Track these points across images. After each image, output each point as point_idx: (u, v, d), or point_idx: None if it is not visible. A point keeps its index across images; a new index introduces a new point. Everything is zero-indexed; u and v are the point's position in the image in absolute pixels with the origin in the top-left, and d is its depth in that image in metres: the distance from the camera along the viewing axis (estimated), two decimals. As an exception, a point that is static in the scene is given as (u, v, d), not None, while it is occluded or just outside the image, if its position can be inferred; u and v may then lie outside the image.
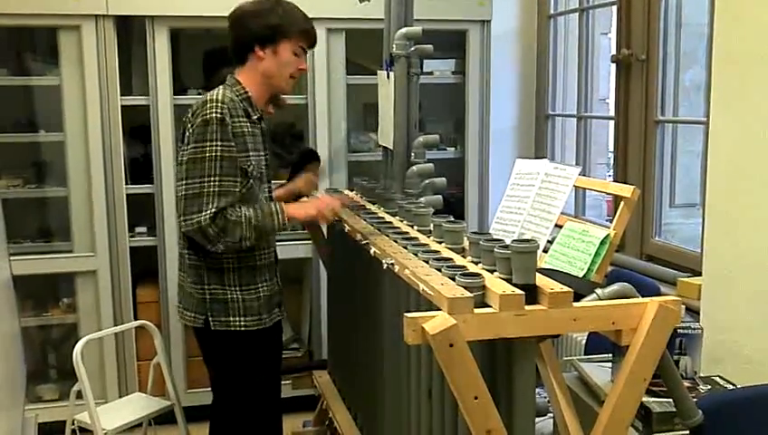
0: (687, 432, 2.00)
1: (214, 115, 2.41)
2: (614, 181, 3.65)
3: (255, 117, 2.57)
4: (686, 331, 2.38)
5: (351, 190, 3.36)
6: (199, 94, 3.88)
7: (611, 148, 3.96)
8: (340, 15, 3.79)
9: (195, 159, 2.41)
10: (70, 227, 3.80)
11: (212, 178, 2.39)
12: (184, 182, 2.43)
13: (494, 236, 2.11)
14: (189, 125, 2.47)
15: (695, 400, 2.01)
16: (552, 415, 2.38)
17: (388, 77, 2.99)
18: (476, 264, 2.00)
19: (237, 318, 2.58)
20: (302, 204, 2.72)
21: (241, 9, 2.59)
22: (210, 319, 2.58)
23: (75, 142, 3.73)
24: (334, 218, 2.70)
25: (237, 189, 2.44)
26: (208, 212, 2.37)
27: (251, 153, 2.51)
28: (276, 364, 2.79)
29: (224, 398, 2.71)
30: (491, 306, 1.73)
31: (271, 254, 2.70)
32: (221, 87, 2.54)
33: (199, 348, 2.73)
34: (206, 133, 2.40)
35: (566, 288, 1.73)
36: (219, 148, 2.40)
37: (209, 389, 2.77)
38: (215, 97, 2.45)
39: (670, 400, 2.00)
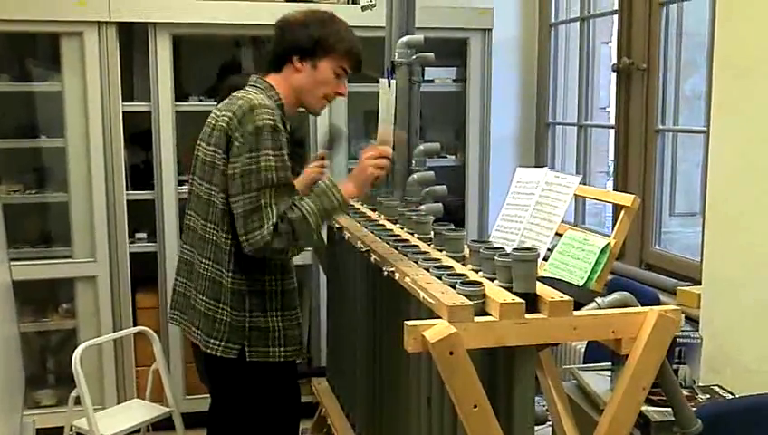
0: (687, 442, 2.00)
1: (266, 122, 2.23)
2: (614, 190, 3.66)
3: (287, 126, 2.40)
4: (685, 340, 2.39)
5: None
6: (200, 101, 3.90)
7: (612, 156, 3.97)
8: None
9: (250, 171, 2.23)
10: (70, 232, 3.80)
11: (269, 189, 2.23)
12: (241, 197, 2.24)
13: (495, 245, 2.11)
14: (238, 134, 2.26)
15: (694, 409, 2.01)
16: (551, 423, 2.38)
17: (389, 85, 3.00)
18: (477, 272, 2.01)
19: (277, 348, 2.40)
20: (350, 176, 2.43)
21: (292, 16, 2.44)
22: (247, 349, 2.37)
23: (76, 148, 3.73)
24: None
25: (294, 198, 2.30)
26: (270, 223, 2.21)
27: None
28: (298, 399, 2.63)
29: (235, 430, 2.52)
30: (491, 315, 1.73)
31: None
32: (253, 90, 2.37)
33: (214, 379, 2.55)
34: (259, 142, 2.23)
35: (566, 297, 1.74)
36: (273, 156, 2.24)
37: (208, 395, 2.69)
38: (262, 102, 2.28)
39: (669, 409, 2.00)
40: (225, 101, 2.38)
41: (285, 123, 2.35)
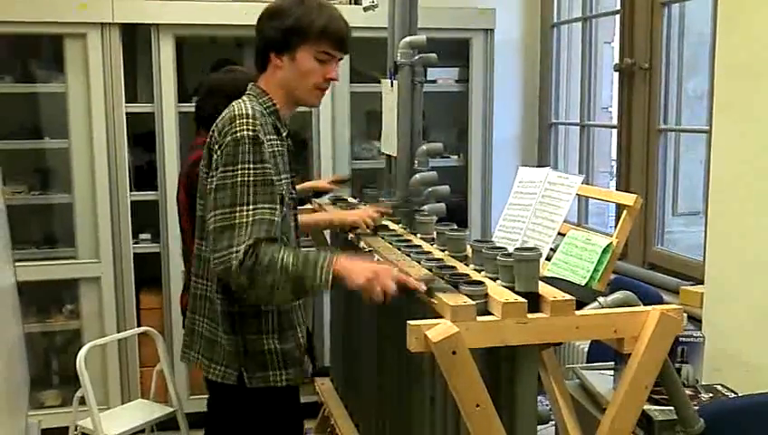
0: (689, 440, 2.00)
1: (246, 133, 2.03)
2: (617, 189, 3.66)
3: (284, 133, 2.21)
4: (687, 339, 2.39)
5: (355, 198, 3.36)
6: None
7: (614, 156, 3.97)
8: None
9: (224, 186, 2.02)
10: (74, 233, 3.82)
11: (244, 207, 1.99)
12: (213, 214, 2.03)
13: (497, 244, 2.11)
14: (216, 146, 2.08)
15: (696, 408, 2.02)
16: (554, 423, 2.38)
17: (391, 85, 3.01)
18: (479, 272, 2.01)
19: (278, 372, 2.16)
20: (358, 265, 2.01)
21: (266, 9, 2.23)
22: (246, 375, 2.15)
23: (80, 149, 3.74)
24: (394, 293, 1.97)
25: (276, 218, 2.03)
26: (240, 247, 1.95)
27: (282, 176, 2.13)
28: (301, 428, 2.40)
29: None
30: (493, 314, 1.74)
31: None
32: (244, 98, 2.17)
33: (215, 407, 2.33)
34: (237, 155, 2.02)
35: (568, 296, 1.74)
36: (252, 171, 2.02)
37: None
38: (243, 111, 2.07)
39: (672, 408, 2.00)
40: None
41: (280, 130, 2.19)
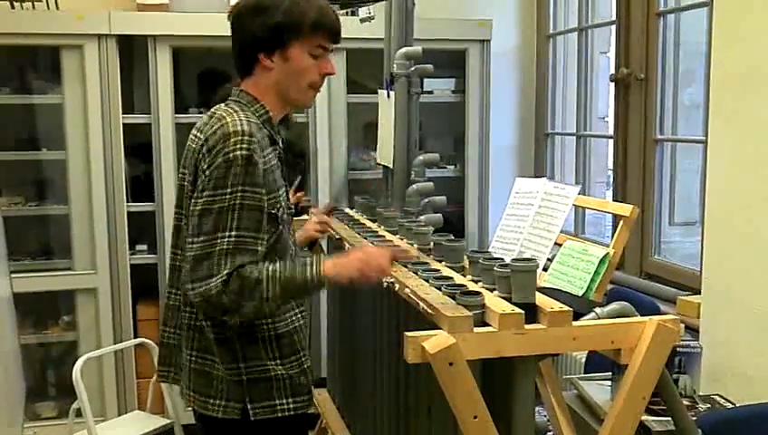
0: (687, 451, 2.00)
1: (240, 153, 1.85)
2: (613, 200, 3.67)
3: (279, 141, 2.06)
4: (685, 349, 2.39)
5: (352, 208, 3.36)
6: (200, 113, 3.90)
7: (611, 166, 3.98)
8: (341, 35, 3.81)
9: (209, 211, 1.86)
10: (70, 244, 3.82)
11: (227, 233, 1.84)
12: (192, 240, 1.87)
13: (494, 255, 2.11)
14: (205, 165, 1.89)
15: (694, 418, 2.01)
16: (551, 434, 2.38)
17: (388, 96, 3.01)
18: (476, 282, 2.01)
19: (284, 400, 2.01)
20: (343, 260, 2.00)
21: (239, 6, 2.01)
22: (249, 406, 1.97)
23: (77, 160, 3.75)
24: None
25: (259, 248, 1.89)
26: (221, 276, 1.82)
27: (280, 191, 1.99)
28: None
29: None
30: (491, 325, 1.73)
31: (308, 311, 2.14)
32: (235, 107, 1.98)
33: None
34: (228, 177, 1.85)
35: (565, 307, 1.74)
36: (241, 194, 1.85)
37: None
38: (239, 128, 1.88)
39: (669, 418, 2.00)
40: (204, 119, 2.02)
41: (276, 139, 2.04)
